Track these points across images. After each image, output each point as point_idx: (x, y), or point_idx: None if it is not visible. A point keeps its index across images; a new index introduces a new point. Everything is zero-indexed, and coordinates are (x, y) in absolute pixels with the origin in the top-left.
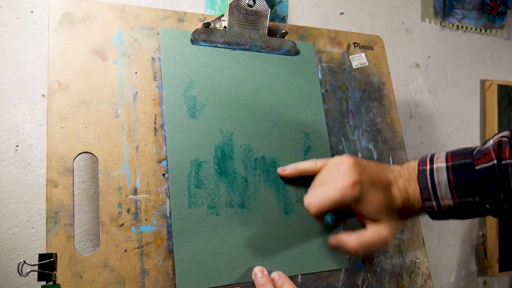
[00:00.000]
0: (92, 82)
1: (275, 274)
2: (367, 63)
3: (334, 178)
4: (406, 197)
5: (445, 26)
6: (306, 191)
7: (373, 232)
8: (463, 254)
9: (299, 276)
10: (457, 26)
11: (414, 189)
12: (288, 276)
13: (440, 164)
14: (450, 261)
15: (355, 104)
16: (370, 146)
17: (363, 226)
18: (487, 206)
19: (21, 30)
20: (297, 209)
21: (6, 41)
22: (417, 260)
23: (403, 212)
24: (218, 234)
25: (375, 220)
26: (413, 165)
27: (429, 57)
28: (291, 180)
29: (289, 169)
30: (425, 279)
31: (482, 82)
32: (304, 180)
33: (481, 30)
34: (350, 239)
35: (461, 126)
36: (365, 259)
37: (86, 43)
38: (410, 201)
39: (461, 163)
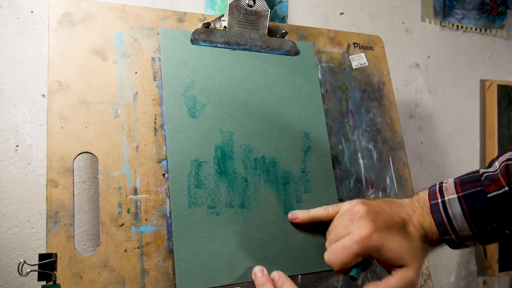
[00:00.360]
0: (92, 82)
1: (275, 274)
2: (367, 63)
3: (349, 230)
4: (423, 233)
5: (445, 26)
6: (307, 192)
7: (399, 277)
8: (463, 254)
9: (299, 276)
10: (457, 26)
11: (429, 224)
12: (288, 276)
13: (451, 195)
14: (450, 261)
15: (355, 104)
16: (370, 146)
17: (388, 272)
18: (507, 232)
19: (21, 30)
20: (297, 209)
21: (6, 41)
22: None
23: (423, 247)
24: (218, 234)
25: (399, 264)
26: (423, 198)
27: (429, 57)
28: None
29: (300, 217)
30: (425, 279)
31: (482, 82)
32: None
33: (481, 30)
34: None
35: (461, 126)
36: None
37: (86, 43)
38: (428, 236)
39: (472, 192)
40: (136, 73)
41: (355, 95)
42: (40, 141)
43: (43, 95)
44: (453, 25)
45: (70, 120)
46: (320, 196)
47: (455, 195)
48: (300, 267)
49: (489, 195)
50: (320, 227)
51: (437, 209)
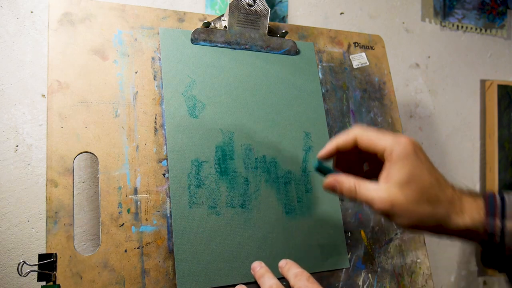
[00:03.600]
0: (92, 82)
1: (283, 262)
2: (368, 63)
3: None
4: (459, 206)
5: (445, 26)
6: (308, 192)
7: (375, 190)
8: (463, 254)
9: None
10: (457, 26)
11: (475, 206)
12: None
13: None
14: (450, 261)
15: (355, 103)
16: None
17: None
18: None
19: (21, 30)
20: (298, 209)
21: (6, 41)
22: (418, 260)
23: (440, 224)
24: (219, 234)
25: (399, 185)
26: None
27: (429, 57)
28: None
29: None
30: (425, 279)
31: (482, 82)
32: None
33: (481, 30)
34: (347, 183)
35: (461, 126)
36: (366, 259)
37: (86, 42)
38: (462, 214)
39: None
40: (136, 72)
41: (356, 95)
42: (40, 141)
43: (43, 95)
44: (453, 25)
45: (70, 120)
46: (321, 196)
47: None
48: (301, 267)
49: None
50: (321, 227)
51: (492, 193)
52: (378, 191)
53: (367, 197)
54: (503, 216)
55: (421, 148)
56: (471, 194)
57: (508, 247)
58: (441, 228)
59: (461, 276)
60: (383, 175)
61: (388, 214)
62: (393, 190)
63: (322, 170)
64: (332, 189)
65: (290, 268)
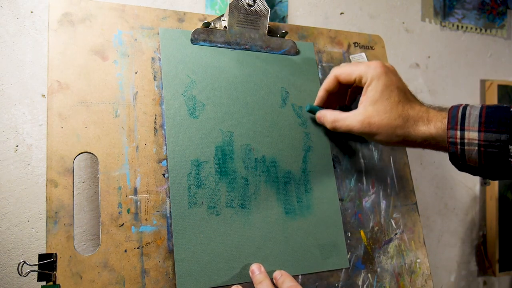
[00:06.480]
0: (92, 82)
1: (277, 273)
2: None
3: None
4: (426, 117)
5: (445, 26)
6: (307, 192)
7: (351, 115)
8: (463, 254)
9: (300, 276)
10: (457, 26)
11: (440, 117)
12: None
13: (475, 105)
14: (450, 261)
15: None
16: (370, 146)
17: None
18: (510, 147)
19: (21, 30)
20: (298, 209)
21: (6, 41)
22: (418, 260)
23: (409, 133)
24: (218, 234)
25: (372, 103)
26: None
27: (429, 57)
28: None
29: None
30: (425, 279)
31: (482, 82)
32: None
33: (481, 30)
34: (329, 115)
35: None
36: (366, 259)
37: (86, 43)
38: (428, 124)
39: (497, 106)
40: (136, 73)
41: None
42: (40, 141)
43: (43, 95)
44: (453, 25)
45: (70, 120)
46: (321, 196)
47: (479, 106)
48: (301, 267)
49: (511, 109)
50: (320, 227)
51: (457, 108)
52: (356, 116)
53: (346, 126)
54: (462, 128)
55: (393, 71)
56: (438, 108)
57: (468, 157)
58: (411, 137)
59: (461, 276)
60: (361, 98)
61: (368, 133)
62: (368, 108)
63: (313, 110)
64: (320, 121)
65: (284, 281)
